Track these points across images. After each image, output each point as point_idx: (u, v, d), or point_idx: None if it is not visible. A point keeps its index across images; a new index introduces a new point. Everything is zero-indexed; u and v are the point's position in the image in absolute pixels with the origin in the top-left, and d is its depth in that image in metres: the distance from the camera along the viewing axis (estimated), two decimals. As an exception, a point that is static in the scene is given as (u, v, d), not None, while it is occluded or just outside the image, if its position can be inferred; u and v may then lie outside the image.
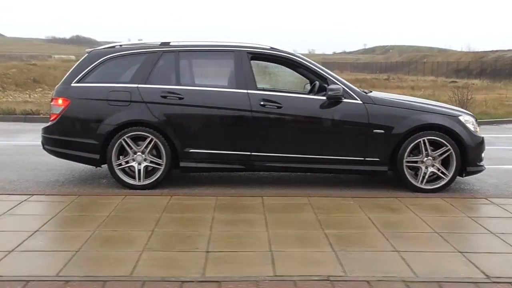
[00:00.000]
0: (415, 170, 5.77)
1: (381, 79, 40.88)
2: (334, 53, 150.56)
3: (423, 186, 5.72)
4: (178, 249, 3.78)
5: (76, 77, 5.81)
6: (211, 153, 5.71)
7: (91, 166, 6.34)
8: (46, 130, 5.90)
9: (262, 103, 5.65)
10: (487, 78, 43.27)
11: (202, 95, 5.72)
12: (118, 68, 5.93)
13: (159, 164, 5.68)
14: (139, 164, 5.67)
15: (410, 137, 5.66)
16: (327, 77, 5.83)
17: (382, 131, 5.67)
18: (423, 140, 5.66)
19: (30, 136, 10.03)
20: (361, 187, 6.07)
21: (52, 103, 5.88)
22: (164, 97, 5.68)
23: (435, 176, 5.75)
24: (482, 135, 5.94)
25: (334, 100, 5.69)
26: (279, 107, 5.67)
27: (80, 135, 5.75)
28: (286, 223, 4.46)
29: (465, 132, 5.74)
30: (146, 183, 5.68)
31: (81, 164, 6.52)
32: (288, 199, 5.26)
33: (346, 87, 5.76)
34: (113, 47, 6.05)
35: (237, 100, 5.66)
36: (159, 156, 5.68)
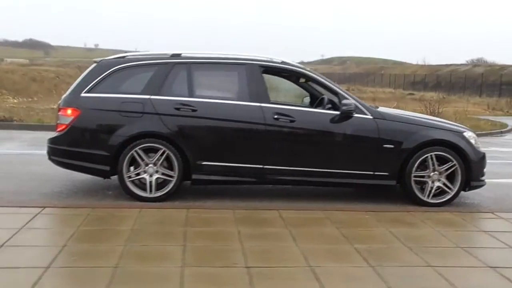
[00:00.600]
0: (421, 184, 5.92)
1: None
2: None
3: (429, 200, 5.87)
4: (218, 265, 3.75)
5: (85, 87, 5.69)
6: (224, 165, 5.70)
7: (91, 177, 6.22)
8: (53, 141, 5.74)
9: (275, 116, 5.69)
10: (442, 91, 44.73)
11: (216, 108, 5.71)
12: (129, 78, 5.85)
13: (171, 176, 5.62)
14: (151, 176, 5.60)
15: (418, 152, 5.81)
16: (339, 92, 5.92)
17: (392, 146, 5.80)
18: (431, 155, 5.82)
19: (12, 144, 9.68)
20: (367, 200, 6.17)
21: (59, 113, 5.74)
22: (178, 109, 5.64)
23: (440, 190, 5.91)
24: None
25: (345, 115, 5.79)
26: (292, 121, 5.72)
27: (90, 146, 5.63)
28: (313, 237, 4.50)
29: (469, 148, 5.94)
30: (158, 195, 5.61)
31: (80, 175, 6.36)
32: (304, 213, 5.30)
33: (357, 102, 5.87)
34: (123, 57, 5.97)
35: (251, 113, 5.68)
36: (170, 168, 5.62)
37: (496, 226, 5.18)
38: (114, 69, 5.76)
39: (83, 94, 5.67)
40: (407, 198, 5.96)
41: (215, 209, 5.30)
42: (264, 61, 6.00)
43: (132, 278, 3.45)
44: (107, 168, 5.61)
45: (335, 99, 5.98)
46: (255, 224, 4.82)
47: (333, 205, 5.77)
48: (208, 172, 5.70)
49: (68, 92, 5.79)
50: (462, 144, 5.92)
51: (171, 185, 5.62)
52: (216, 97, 5.88)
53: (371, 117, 5.85)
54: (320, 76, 6.05)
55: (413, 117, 6.21)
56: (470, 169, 5.91)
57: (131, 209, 5.17)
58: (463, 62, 67.88)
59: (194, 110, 5.65)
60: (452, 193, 5.90)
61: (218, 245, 4.19)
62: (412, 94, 38.49)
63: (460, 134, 6.03)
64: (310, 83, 6.18)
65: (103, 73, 5.73)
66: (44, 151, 5.94)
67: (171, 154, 5.57)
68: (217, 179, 5.75)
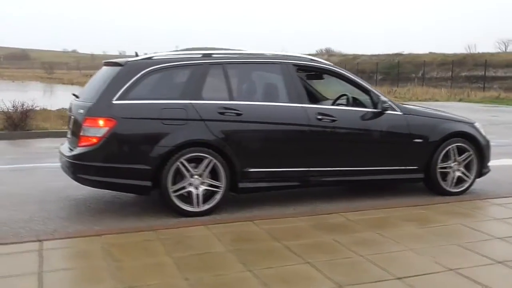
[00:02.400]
0: (443, 175, 6.18)
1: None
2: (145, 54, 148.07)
3: (452, 190, 6.16)
4: (370, 280, 3.55)
5: (116, 94, 4.98)
6: (271, 171, 5.40)
7: (99, 193, 5.54)
8: (81, 156, 4.93)
9: (319, 117, 5.53)
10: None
11: (261, 111, 5.38)
12: (162, 82, 5.26)
13: (217, 187, 5.19)
14: (196, 188, 5.11)
15: (442, 144, 6.06)
16: (369, 89, 5.93)
17: (421, 140, 5.97)
18: (452, 147, 6.11)
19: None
20: (378, 196, 6.16)
21: (86, 124, 4.93)
22: (222, 113, 5.20)
23: (458, 179, 6.22)
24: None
25: (379, 112, 5.82)
26: (333, 121, 5.60)
27: (129, 160, 4.96)
28: (412, 237, 4.44)
29: (481, 137, 6.33)
30: (205, 208, 5.14)
31: (87, 191, 5.67)
32: (364, 213, 5.21)
33: (388, 99, 5.94)
34: (151, 58, 5.33)
35: (296, 114, 5.45)
36: (216, 178, 5.18)
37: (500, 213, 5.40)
38: (144, 72, 5.12)
39: (115, 102, 4.96)
40: (432, 189, 6.18)
41: (282, 218, 5.00)
42: (296, 59, 5.78)
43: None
44: (148, 183, 5.00)
45: (362, 97, 5.99)
46: (340, 230, 4.63)
47: (356, 205, 5.70)
48: (254, 180, 5.36)
49: (95, 100, 5.01)
50: (476, 134, 6.29)
51: (218, 196, 5.19)
52: (258, 99, 5.55)
53: (401, 113, 5.96)
54: (349, 73, 6.00)
55: (434, 112, 6.45)
56: (482, 157, 6.31)
57: (194, 227, 4.68)
58: (314, 52, 72.30)
59: (239, 114, 5.26)
60: (470, 181, 6.25)
61: (341, 257, 3.96)
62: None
63: (472, 125, 6.40)
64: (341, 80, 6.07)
65: (133, 77, 5.07)
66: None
67: (218, 163, 5.13)
68: (263, 186, 5.43)
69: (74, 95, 5.77)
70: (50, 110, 15.25)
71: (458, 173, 6.19)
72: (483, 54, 45.04)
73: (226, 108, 5.23)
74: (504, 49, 56.52)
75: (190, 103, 5.12)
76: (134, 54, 5.67)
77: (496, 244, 4.36)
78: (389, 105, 5.81)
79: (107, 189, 5.32)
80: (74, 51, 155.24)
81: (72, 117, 5.54)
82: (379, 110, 5.77)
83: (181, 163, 5.01)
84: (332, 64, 6.02)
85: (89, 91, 5.44)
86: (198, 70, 5.29)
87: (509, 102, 26.09)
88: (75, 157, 4.97)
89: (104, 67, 5.62)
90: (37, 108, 12.50)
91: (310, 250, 4.10)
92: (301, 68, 5.79)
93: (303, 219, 4.96)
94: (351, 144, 5.77)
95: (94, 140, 4.88)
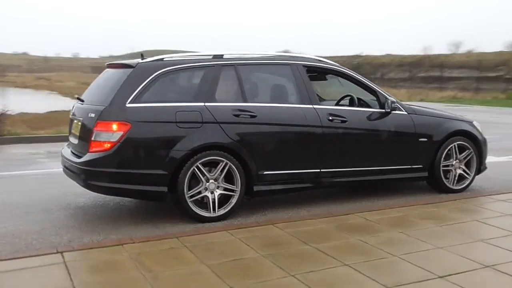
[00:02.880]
0: (445, 173, 6.28)
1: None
2: (101, 57, 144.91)
3: (454, 187, 6.27)
4: (414, 280, 3.52)
5: (129, 96, 4.80)
6: (285, 173, 5.34)
7: (101, 199, 5.35)
8: (93, 163, 4.71)
9: (330, 118, 5.51)
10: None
11: (275, 112, 5.30)
12: (175, 84, 5.13)
13: (232, 191, 5.08)
14: (212, 193, 5.00)
15: (445, 143, 6.16)
16: (376, 89, 5.95)
17: (426, 139, 6.05)
18: (454, 145, 6.21)
19: None
20: (380, 195, 6.23)
21: (97, 129, 4.73)
22: (237, 115, 5.10)
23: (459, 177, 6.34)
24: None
25: (387, 112, 5.85)
26: (343, 121, 5.60)
27: (144, 166, 4.79)
28: (436, 236, 4.47)
29: (479, 135, 6.47)
30: (221, 213, 5.03)
31: (87, 198, 5.47)
32: (380, 213, 5.21)
33: (395, 99, 5.98)
34: (162, 59, 5.16)
35: (308, 115, 5.41)
36: (230, 181, 5.08)
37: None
38: (157, 74, 4.95)
39: (129, 105, 4.78)
40: (435, 187, 6.28)
41: (301, 221, 4.94)
42: (305, 60, 5.75)
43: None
44: (165, 189, 4.84)
45: (367, 97, 6.02)
46: (364, 230, 4.61)
47: (379, 204, 5.76)
48: (269, 182, 5.28)
49: (107, 103, 4.81)
50: (475, 132, 6.42)
51: (234, 201, 5.09)
52: (270, 100, 5.47)
53: (406, 113, 6.01)
54: (355, 74, 6.00)
55: (435, 111, 6.54)
56: (481, 154, 6.45)
57: (216, 232, 4.56)
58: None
59: (253, 116, 5.17)
60: (470, 178, 6.38)
61: (377, 258, 3.93)
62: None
63: (471, 123, 6.53)
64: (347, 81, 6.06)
65: (146, 79, 4.90)
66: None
67: (233, 166, 5.02)
68: (278, 188, 5.35)
69: (78, 98, 5.55)
70: (12, 115, 14.59)
71: (459, 171, 6.30)
72: (439, 56, 46.48)
73: (240, 110, 5.13)
74: (456, 51, 58.25)
75: (205, 105, 5.00)
76: (128, 55, 5.47)
77: (518, 239, 4.45)
78: (397, 105, 5.86)
79: (121, 196, 5.13)
80: (25, 53, 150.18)
81: (76, 121, 5.32)
82: (388, 110, 5.80)
83: (197, 167, 4.88)
84: (337, 64, 6.01)
85: (96, 94, 5.23)
86: (211, 71, 5.17)
87: (466, 102, 27.01)
88: (86, 163, 4.75)
89: (110, 70, 5.42)
90: (9, 113, 12.00)
91: (342, 252, 4.07)
92: (310, 68, 5.75)
93: (322, 221, 4.92)
94: (361, 145, 5.78)
95: (108, 145, 4.68)
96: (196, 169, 4.88)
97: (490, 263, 3.81)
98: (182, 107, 4.93)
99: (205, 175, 4.93)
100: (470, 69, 40.16)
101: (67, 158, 5.17)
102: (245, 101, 5.23)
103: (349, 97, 6.16)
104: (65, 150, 5.53)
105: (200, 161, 4.88)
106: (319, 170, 5.49)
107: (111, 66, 5.45)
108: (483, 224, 4.89)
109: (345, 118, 5.61)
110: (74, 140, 5.36)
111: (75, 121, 5.40)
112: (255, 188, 5.20)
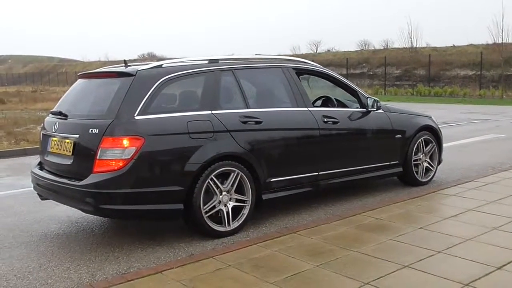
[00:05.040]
0: (415, 167, 6.59)
1: (28, 91, 37.59)
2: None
3: (423, 180, 6.62)
4: (481, 275, 3.61)
5: (136, 108, 4.32)
6: (289, 179, 5.20)
7: (95, 221, 4.84)
8: (107, 185, 4.13)
9: (325, 120, 5.49)
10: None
11: (277, 117, 5.14)
12: (179, 92, 4.74)
13: (244, 202, 4.84)
14: (225, 205, 4.71)
15: (414, 138, 6.47)
16: (357, 89, 6.05)
17: (400, 135, 6.30)
18: (421, 140, 6.56)
19: None
20: (361, 195, 6.45)
21: (104, 145, 4.18)
22: (244, 122, 4.86)
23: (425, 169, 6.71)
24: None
25: (371, 111, 6.00)
26: (335, 123, 5.61)
27: (160, 183, 4.35)
28: (457, 228, 4.63)
29: (438, 129, 6.90)
30: (236, 226, 4.77)
31: (75, 220, 4.89)
32: (382, 210, 5.28)
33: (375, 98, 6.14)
34: (160, 66, 4.72)
35: (307, 118, 5.34)
36: (241, 192, 4.83)
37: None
38: (160, 82, 4.53)
39: (137, 117, 4.30)
40: (407, 181, 6.57)
41: (317, 226, 4.81)
42: (293, 62, 5.70)
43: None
44: (181, 206, 4.44)
45: (344, 97, 6.12)
46: (378, 229, 4.67)
47: (369, 203, 5.88)
48: (275, 190, 5.11)
49: (114, 117, 4.27)
50: (435, 126, 6.84)
51: (246, 212, 4.85)
52: (270, 105, 5.29)
53: (382, 111, 6.20)
54: (338, 75, 6.06)
55: (403, 108, 6.81)
56: (440, 147, 6.89)
57: (248, 247, 4.30)
58: (136, 57, 72.02)
59: (258, 122, 4.96)
60: (434, 170, 6.79)
61: (427, 256, 3.96)
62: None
63: (431, 118, 6.93)
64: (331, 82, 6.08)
65: (150, 88, 4.46)
66: None
67: (244, 176, 4.78)
68: (283, 195, 5.19)
69: (54, 113, 4.89)
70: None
71: (425, 164, 6.67)
72: (307, 55, 48.89)
73: (246, 117, 4.90)
74: (315, 50, 60.68)
75: (212, 113, 4.69)
76: (123, 62, 4.95)
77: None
78: (380, 104, 6.02)
79: (134, 219, 4.61)
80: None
81: (59, 138, 4.69)
82: (374, 109, 5.94)
83: (211, 179, 4.56)
84: (320, 66, 6.01)
85: (86, 107, 4.66)
86: (211, 77, 4.86)
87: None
88: (94, 185, 4.16)
89: (93, 80, 4.87)
90: None
91: (388, 253, 4.06)
92: (298, 71, 5.67)
93: (338, 224, 4.88)
94: (351, 144, 5.85)
95: (120, 164, 4.17)
96: (211, 182, 4.56)
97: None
98: (192, 116, 4.57)
99: (218, 187, 4.63)
100: (336, 66, 42.93)
101: (60, 183, 4.50)
102: (247, 106, 5.01)
103: (323, 98, 6.21)
104: (42, 172, 4.85)
105: (214, 173, 4.57)
106: (317, 173, 5.45)
107: (99, 75, 4.88)
108: (484, 214, 5.16)
109: (336, 119, 5.63)
110: (56, 159, 4.71)
111: (55, 138, 4.76)
112: (264, 197, 5.01)
